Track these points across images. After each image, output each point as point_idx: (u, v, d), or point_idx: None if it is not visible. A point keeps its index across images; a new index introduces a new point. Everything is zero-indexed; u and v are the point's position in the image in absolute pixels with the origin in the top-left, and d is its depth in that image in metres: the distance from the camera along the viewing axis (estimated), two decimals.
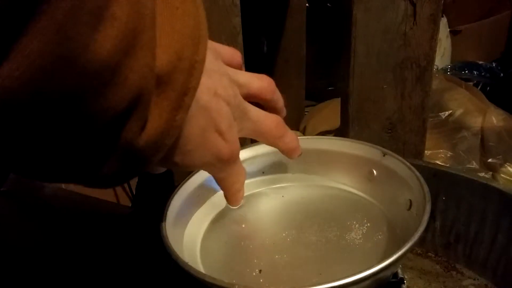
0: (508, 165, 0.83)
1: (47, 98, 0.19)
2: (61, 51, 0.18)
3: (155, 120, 0.24)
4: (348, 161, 0.47)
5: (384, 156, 0.44)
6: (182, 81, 0.24)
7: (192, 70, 0.25)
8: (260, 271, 0.38)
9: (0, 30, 0.16)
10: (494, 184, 0.50)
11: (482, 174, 0.81)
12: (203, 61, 0.25)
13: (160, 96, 0.24)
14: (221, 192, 0.46)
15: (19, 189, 0.60)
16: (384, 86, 0.60)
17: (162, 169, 0.35)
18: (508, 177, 0.82)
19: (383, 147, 0.45)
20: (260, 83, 0.35)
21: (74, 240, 0.56)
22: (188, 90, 0.25)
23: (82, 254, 0.50)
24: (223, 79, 0.31)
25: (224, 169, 0.34)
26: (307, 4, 1.13)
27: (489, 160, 0.84)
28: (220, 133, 0.30)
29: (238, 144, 0.33)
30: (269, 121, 0.37)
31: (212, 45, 0.32)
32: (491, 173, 0.83)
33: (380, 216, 0.43)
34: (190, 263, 0.34)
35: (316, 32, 1.23)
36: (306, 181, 0.49)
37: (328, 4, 1.30)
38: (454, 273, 0.53)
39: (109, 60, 0.19)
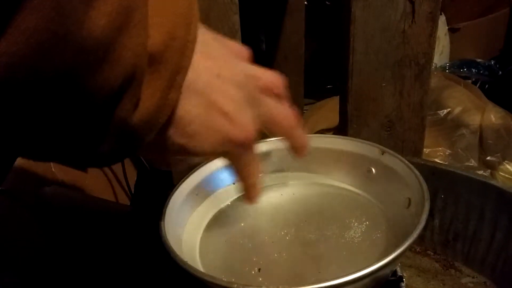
0: (507, 163, 0.83)
1: (44, 75, 0.19)
2: (57, 28, 0.18)
3: (148, 98, 0.24)
4: (347, 159, 0.47)
5: (382, 154, 0.44)
6: (174, 60, 0.25)
7: (185, 49, 0.25)
8: (259, 269, 0.38)
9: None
10: (492, 182, 0.50)
11: (480, 172, 0.81)
12: (194, 40, 0.26)
13: (153, 75, 0.24)
14: (219, 191, 0.47)
15: (18, 187, 0.60)
16: (383, 84, 0.60)
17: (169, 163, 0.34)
18: (506, 175, 0.82)
19: (382, 145, 0.45)
20: (271, 77, 0.34)
21: (73, 239, 0.56)
22: (180, 69, 0.25)
23: (81, 253, 0.50)
24: (230, 63, 0.31)
25: (236, 156, 0.33)
26: (305, 2, 1.13)
27: (488, 158, 0.84)
28: (225, 114, 0.29)
29: (251, 129, 0.31)
30: (285, 110, 0.35)
31: (220, 38, 0.31)
32: (489, 171, 0.84)
33: (379, 214, 0.43)
34: (189, 262, 0.34)
35: (315, 30, 1.23)
36: (305, 180, 0.49)
37: (327, 2, 1.29)
38: (452, 271, 0.53)
39: (103, 37, 0.20)
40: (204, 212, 0.45)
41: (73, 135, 0.23)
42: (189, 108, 0.28)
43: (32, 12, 0.17)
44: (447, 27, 1.37)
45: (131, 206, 0.84)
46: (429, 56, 0.59)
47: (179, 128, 0.28)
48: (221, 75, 0.29)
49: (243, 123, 0.30)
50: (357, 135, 0.62)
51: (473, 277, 0.52)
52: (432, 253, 0.56)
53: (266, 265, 0.38)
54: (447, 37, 1.37)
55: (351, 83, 0.60)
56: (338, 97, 0.66)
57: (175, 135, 0.28)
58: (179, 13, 0.25)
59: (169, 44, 0.24)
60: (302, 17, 1.12)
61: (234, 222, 0.44)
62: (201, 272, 0.33)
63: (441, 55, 1.33)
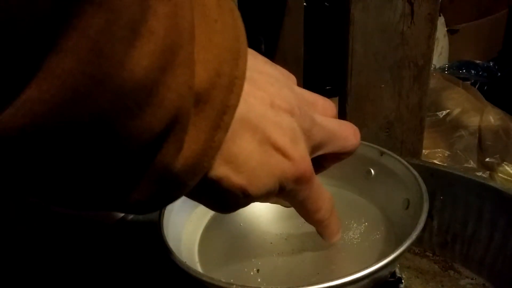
0: (506, 164, 0.83)
1: (79, 122, 0.17)
2: (95, 70, 0.16)
3: (193, 141, 0.22)
4: (346, 160, 0.47)
5: (381, 155, 0.44)
6: (221, 99, 0.22)
7: (232, 86, 0.23)
8: (258, 270, 0.38)
9: (28, 48, 0.15)
10: (491, 183, 0.50)
11: (479, 173, 0.81)
12: (243, 76, 0.24)
13: (198, 115, 0.22)
14: None
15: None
16: (382, 85, 0.60)
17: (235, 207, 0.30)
18: (505, 176, 0.82)
19: (381, 146, 0.45)
20: (323, 102, 0.32)
21: (70, 238, 0.56)
22: (227, 109, 0.23)
23: (79, 253, 0.49)
24: (283, 90, 0.28)
25: (297, 193, 0.30)
26: (304, 3, 1.13)
27: (487, 159, 0.84)
28: (279, 149, 0.27)
29: (307, 163, 0.29)
30: (344, 126, 0.33)
31: (269, 61, 0.29)
32: (488, 172, 0.84)
33: (377, 215, 0.43)
34: (188, 263, 0.34)
35: (314, 31, 1.23)
36: None
37: (326, 3, 1.30)
38: (451, 272, 0.53)
39: (145, 78, 0.18)
40: (203, 213, 0.44)
41: (106, 183, 0.21)
42: (243, 144, 0.25)
43: (67, 54, 0.16)
44: (446, 29, 1.37)
45: None
46: (428, 57, 0.59)
47: (235, 167, 0.26)
48: (274, 105, 0.27)
49: (299, 157, 0.28)
50: (353, 147, 0.62)
51: (472, 279, 0.52)
52: (430, 254, 0.56)
53: (265, 266, 0.38)
54: (446, 38, 1.37)
55: (350, 84, 0.60)
56: (337, 98, 0.66)
57: (233, 175, 0.26)
58: (225, 47, 0.23)
59: (216, 81, 0.22)
60: (301, 18, 1.12)
61: (233, 223, 0.44)
62: (199, 272, 0.33)
63: (440, 56, 1.33)
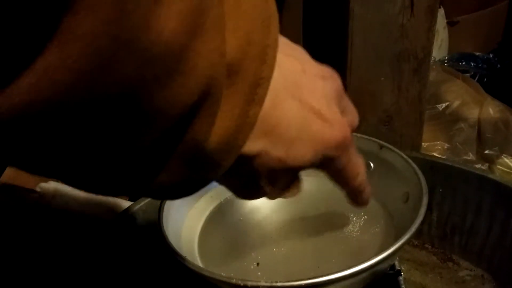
0: (505, 157, 0.83)
1: (103, 93, 0.15)
2: (119, 31, 0.14)
3: (226, 117, 0.20)
4: None
5: (381, 149, 0.44)
6: (253, 70, 0.21)
7: (264, 56, 0.21)
8: (257, 264, 0.38)
9: (43, 4, 0.13)
10: (490, 175, 0.50)
11: (478, 166, 0.81)
12: (275, 45, 0.22)
13: (230, 88, 0.20)
14: (218, 186, 0.46)
15: (16, 184, 0.60)
16: (381, 79, 0.60)
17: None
18: (504, 169, 0.82)
19: (380, 139, 0.45)
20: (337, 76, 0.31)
21: (71, 234, 0.56)
22: (261, 81, 0.21)
23: (79, 249, 0.50)
24: (306, 56, 0.27)
25: (337, 159, 0.28)
26: None
27: (486, 151, 0.84)
28: (319, 114, 0.25)
29: (346, 126, 0.27)
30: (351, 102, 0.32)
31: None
32: (487, 164, 0.84)
33: (377, 208, 0.43)
34: (188, 257, 0.34)
35: (313, 25, 1.22)
36: (303, 175, 0.49)
37: None
38: (450, 264, 0.53)
39: (174, 42, 0.16)
40: (203, 208, 0.45)
41: (133, 162, 0.19)
42: (282, 114, 0.24)
43: (88, 13, 0.14)
44: (445, 21, 1.36)
45: (130, 202, 0.84)
46: (428, 50, 0.59)
47: (275, 139, 0.24)
48: (306, 71, 0.26)
49: (337, 121, 0.27)
50: (355, 129, 0.62)
51: (470, 270, 0.52)
52: (430, 247, 0.56)
53: (265, 259, 0.38)
54: (446, 30, 1.37)
55: (349, 77, 0.60)
56: None
57: (271, 148, 0.24)
58: (255, 14, 0.21)
59: (247, 50, 0.20)
60: (299, 12, 1.11)
61: (233, 217, 0.44)
62: (200, 267, 0.34)
63: (439, 49, 1.33)
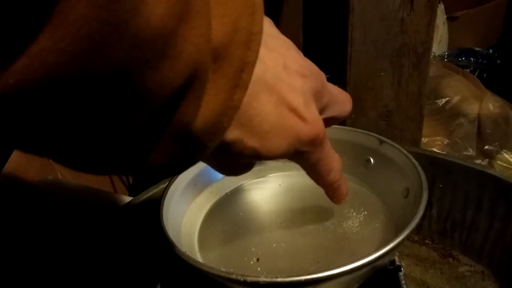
0: (505, 152, 0.83)
1: (95, 75, 0.16)
2: (110, 17, 0.15)
3: (212, 100, 0.21)
4: (345, 149, 0.47)
5: (381, 144, 0.44)
6: (239, 55, 0.22)
7: (249, 43, 0.22)
8: (257, 259, 0.38)
9: None
10: (490, 171, 0.50)
11: (478, 161, 0.81)
12: (260, 32, 0.23)
13: (216, 73, 0.21)
14: (218, 181, 0.47)
15: (17, 179, 0.60)
16: (381, 74, 0.60)
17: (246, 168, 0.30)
18: (504, 164, 0.82)
19: (380, 134, 0.45)
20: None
21: (72, 230, 0.56)
22: (245, 66, 0.22)
23: (79, 244, 0.50)
24: (292, 51, 0.28)
25: (310, 154, 0.30)
26: None
27: (486, 147, 0.84)
28: (294, 111, 0.27)
29: (320, 124, 0.29)
30: (341, 91, 0.34)
31: (273, 25, 0.29)
32: (487, 160, 0.84)
33: (377, 204, 0.43)
34: (187, 253, 0.34)
35: (313, 20, 1.22)
36: (303, 170, 0.49)
37: None
38: (450, 260, 0.53)
39: (162, 27, 0.17)
40: (203, 203, 0.44)
41: (123, 142, 0.20)
42: (259, 106, 0.25)
43: None
44: (445, 16, 1.36)
45: (130, 197, 0.84)
46: (428, 45, 0.59)
47: (250, 129, 0.25)
48: (287, 66, 0.27)
49: (313, 118, 0.28)
50: (355, 124, 0.62)
51: (470, 266, 0.52)
52: (430, 242, 0.56)
53: (265, 255, 0.38)
54: (446, 25, 1.36)
55: (349, 72, 0.60)
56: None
57: (247, 138, 0.25)
58: (240, 2, 0.22)
59: (232, 37, 0.21)
60: (299, 7, 1.11)
61: (233, 213, 0.44)
62: (200, 262, 0.33)
63: (439, 44, 1.32)
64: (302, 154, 0.29)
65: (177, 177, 0.43)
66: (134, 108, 0.19)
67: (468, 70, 1.20)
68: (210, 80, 0.21)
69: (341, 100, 0.33)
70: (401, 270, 0.40)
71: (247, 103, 0.24)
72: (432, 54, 0.98)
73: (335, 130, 0.48)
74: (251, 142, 0.26)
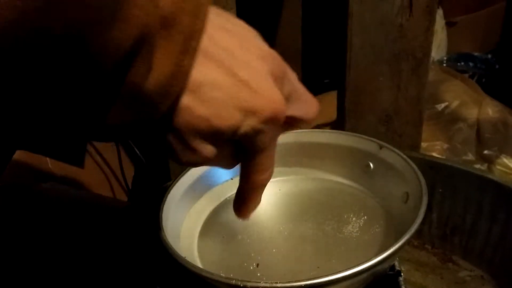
0: (504, 157, 0.83)
1: (49, 33, 0.18)
2: None
3: (161, 64, 0.23)
4: (345, 154, 0.47)
5: (380, 149, 0.44)
6: (187, 23, 0.23)
7: (197, 12, 0.24)
8: (257, 265, 0.38)
9: None
10: (490, 176, 0.50)
11: (478, 166, 0.81)
12: (208, 3, 0.24)
13: (166, 39, 0.23)
14: (217, 187, 0.47)
15: (15, 184, 0.60)
16: (380, 78, 0.60)
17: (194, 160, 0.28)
18: (504, 169, 0.82)
19: (380, 139, 0.45)
20: (290, 69, 0.32)
21: (70, 235, 0.56)
22: (193, 34, 0.24)
23: (78, 249, 0.49)
24: (254, 38, 0.29)
25: (262, 135, 0.28)
26: None
27: (485, 151, 0.84)
28: (248, 85, 0.26)
29: (281, 102, 0.28)
30: (307, 92, 0.33)
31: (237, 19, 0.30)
32: (487, 164, 0.84)
33: (377, 209, 0.43)
34: (187, 258, 0.34)
35: (312, 25, 1.23)
36: (303, 175, 0.49)
37: None
38: (450, 264, 0.53)
39: None
40: (202, 208, 0.44)
41: (81, 104, 0.22)
42: (208, 73, 0.25)
43: None
44: (444, 21, 1.36)
45: (129, 202, 0.83)
46: (427, 50, 0.59)
47: (200, 96, 0.25)
48: (243, 46, 0.27)
49: (271, 95, 0.27)
50: (354, 129, 0.62)
51: (470, 271, 0.52)
52: (430, 247, 0.56)
53: (265, 260, 0.38)
54: (444, 30, 1.37)
55: (348, 77, 0.60)
56: (335, 91, 0.66)
57: (197, 105, 0.25)
58: None
59: (181, 6, 0.23)
60: (298, 12, 1.11)
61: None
62: (199, 268, 0.33)
63: (438, 49, 1.33)
64: (257, 133, 0.28)
65: (176, 182, 0.42)
66: (87, 67, 0.20)
67: (467, 75, 1.21)
68: (160, 45, 0.23)
69: (306, 100, 0.32)
70: (401, 275, 0.40)
71: (198, 71, 0.25)
72: (431, 59, 0.98)
73: (335, 136, 0.48)
74: (201, 109, 0.25)
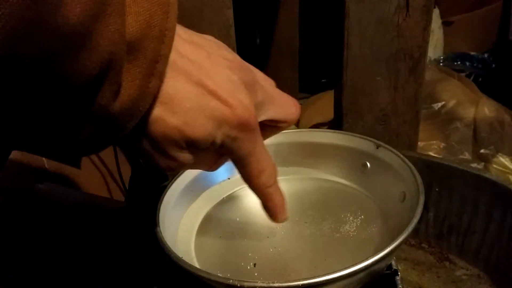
0: (500, 156, 0.83)
1: (20, 62, 0.19)
2: (32, 15, 0.18)
3: (128, 86, 0.24)
4: (342, 153, 0.47)
5: (377, 148, 0.44)
6: (152, 48, 0.24)
7: (163, 37, 0.25)
8: (254, 264, 0.38)
9: None
10: (486, 175, 0.51)
11: (474, 165, 0.81)
12: (173, 29, 0.25)
13: (132, 63, 0.24)
14: (214, 187, 0.47)
15: (11, 185, 0.59)
16: (377, 78, 0.60)
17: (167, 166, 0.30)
18: (500, 168, 0.83)
19: (377, 138, 0.45)
20: (261, 73, 0.33)
21: (68, 236, 0.56)
22: (159, 58, 0.25)
23: (75, 250, 0.49)
24: (221, 49, 0.30)
25: (239, 142, 0.29)
26: None
27: (482, 150, 0.85)
28: (216, 95, 0.27)
29: (251, 110, 0.29)
30: (284, 95, 0.34)
31: (206, 36, 0.31)
32: (483, 163, 0.84)
33: (374, 208, 0.43)
34: (184, 258, 0.34)
35: (309, 24, 1.23)
36: (300, 174, 0.49)
37: None
38: (447, 263, 0.53)
39: (79, 24, 0.20)
40: (199, 208, 0.44)
41: (53, 123, 0.23)
42: (178, 85, 0.27)
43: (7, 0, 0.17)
44: (441, 20, 1.37)
45: (126, 203, 0.83)
46: (424, 50, 0.59)
47: (171, 107, 0.26)
48: (211, 58, 0.28)
49: (240, 104, 0.28)
50: (351, 129, 0.62)
51: (467, 269, 0.52)
52: (426, 246, 0.56)
53: (262, 260, 0.38)
54: (441, 30, 1.37)
55: (345, 77, 0.60)
56: (332, 91, 0.66)
57: (168, 116, 0.27)
58: (155, 2, 0.25)
59: (147, 32, 0.24)
60: (296, 11, 1.11)
61: (229, 218, 0.44)
62: (196, 268, 0.33)
63: (435, 48, 1.33)
64: (234, 141, 0.29)
65: (173, 183, 0.42)
66: (57, 90, 0.22)
67: (463, 74, 1.21)
68: (126, 69, 0.24)
69: (283, 103, 0.33)
70: (398, 274, 0.40)
71: (168, 85, 0.26)
72: (428, 58, 0.98)
73: (332, 135, 0.48)
74: (173, 120, 0.27)
